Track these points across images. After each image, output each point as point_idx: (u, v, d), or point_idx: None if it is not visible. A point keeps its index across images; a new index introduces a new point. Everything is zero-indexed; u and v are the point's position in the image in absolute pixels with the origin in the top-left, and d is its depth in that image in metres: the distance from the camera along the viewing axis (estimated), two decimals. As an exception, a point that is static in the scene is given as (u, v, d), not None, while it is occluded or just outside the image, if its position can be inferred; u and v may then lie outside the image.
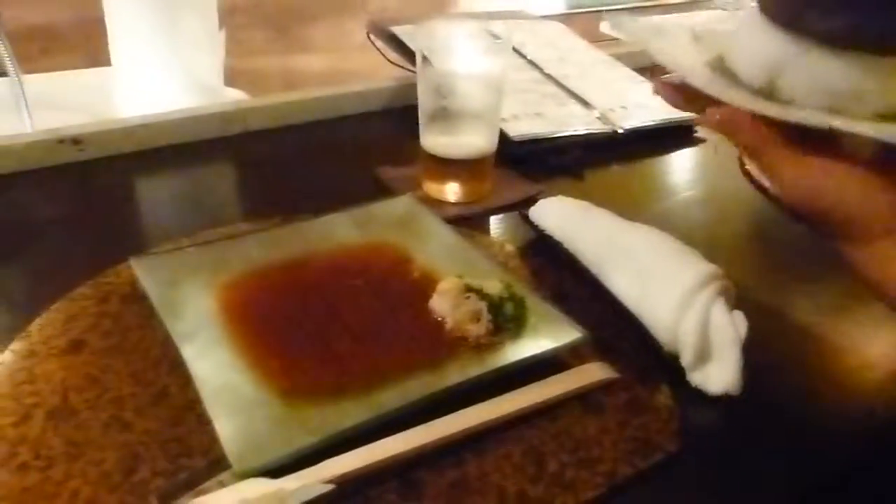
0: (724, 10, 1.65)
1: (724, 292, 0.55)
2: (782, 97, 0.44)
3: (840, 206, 0.43)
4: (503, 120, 0.86)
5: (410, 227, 0.68)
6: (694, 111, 0.48)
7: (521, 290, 0.58)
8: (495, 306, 0.55)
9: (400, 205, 0.71)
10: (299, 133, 0.97)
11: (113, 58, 1.12)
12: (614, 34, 0.54)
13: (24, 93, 1.10)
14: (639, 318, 0.57)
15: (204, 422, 0.46)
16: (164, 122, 0.89)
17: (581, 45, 1.17)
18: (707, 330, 0.53)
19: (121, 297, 0.59)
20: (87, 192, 0.81)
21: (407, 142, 0.81)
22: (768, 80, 0.45)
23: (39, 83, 1.24)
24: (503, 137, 0.82)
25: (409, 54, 0.99)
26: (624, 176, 0.91)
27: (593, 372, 0.53)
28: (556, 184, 0.83)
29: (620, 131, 0.94)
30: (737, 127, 0.45)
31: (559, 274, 0.65)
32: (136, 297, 0.58)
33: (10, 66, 1.09)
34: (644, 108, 0.99)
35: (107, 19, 1.10)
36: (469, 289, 0.57)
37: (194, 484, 0.42)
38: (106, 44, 1.12)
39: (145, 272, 0.58)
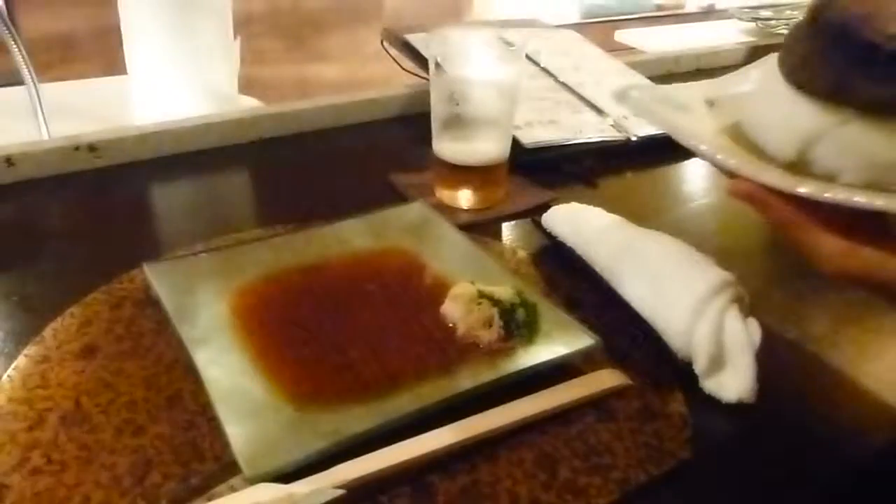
0: (741, 19, 1.65)
1: (737, 299, 0.55)
2: (815, 171, 0.42)
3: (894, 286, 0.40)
4: (517, 127, 0.86)
5: (423, 233, 0.68)
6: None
7: (534, 296, 0.58)
8: (507, 312, 0.55)
9: (413, 211, 0.71)
10: (313, 140, 0.97)
11: (129, 66, 1.13)
12: (625, 108, 0.52)
13: (40, 101, 1.11)
14: (652, 325, 0.56)
15: (216, 426, 0.46)
16: (179, 129, 0.90)
17: (595, 52, 1.17)
18: (721, 337, 0.53)
19: (134, 303, 0.59)
20: (103, 198, 0.82)
21: (420, 149, 0.81)
22: (799, 153, 0.42)
23: (56, 91, 1.25)
24: (516, 144, 0.82)
25: (422, 62, 0.99)
26: (637, 183, 0.91)
27: (606, 378, 0.53)
28: (569, 191, 0.83)
29: (634, 139, 0.93)
30: (766, 204, 0.43)
31: (572, 280, 0.65)
32: (149, 302, 0.59)
33: (27, 74, 1.10)
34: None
35: (123, 28, 1.11)
36: (481, 295, 0.56)
37: (206, 488, 0.43)
38: (122, 53, 1.13)
39: (159, 278, 0.58)
